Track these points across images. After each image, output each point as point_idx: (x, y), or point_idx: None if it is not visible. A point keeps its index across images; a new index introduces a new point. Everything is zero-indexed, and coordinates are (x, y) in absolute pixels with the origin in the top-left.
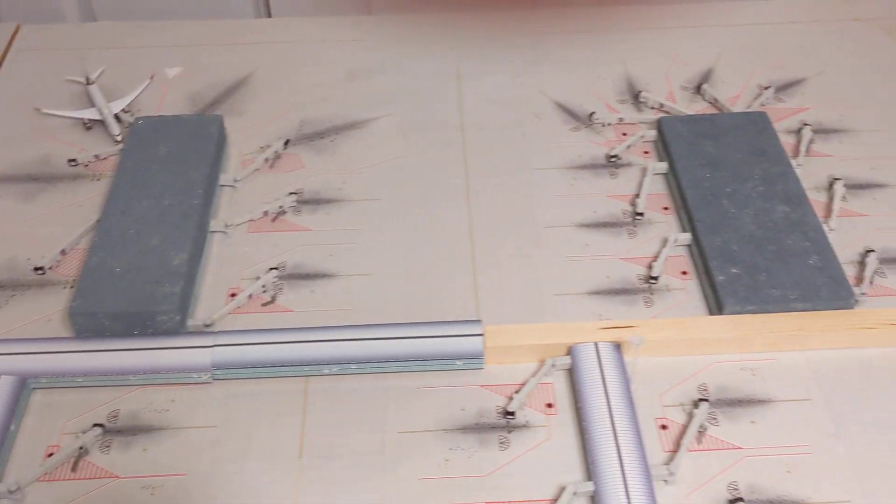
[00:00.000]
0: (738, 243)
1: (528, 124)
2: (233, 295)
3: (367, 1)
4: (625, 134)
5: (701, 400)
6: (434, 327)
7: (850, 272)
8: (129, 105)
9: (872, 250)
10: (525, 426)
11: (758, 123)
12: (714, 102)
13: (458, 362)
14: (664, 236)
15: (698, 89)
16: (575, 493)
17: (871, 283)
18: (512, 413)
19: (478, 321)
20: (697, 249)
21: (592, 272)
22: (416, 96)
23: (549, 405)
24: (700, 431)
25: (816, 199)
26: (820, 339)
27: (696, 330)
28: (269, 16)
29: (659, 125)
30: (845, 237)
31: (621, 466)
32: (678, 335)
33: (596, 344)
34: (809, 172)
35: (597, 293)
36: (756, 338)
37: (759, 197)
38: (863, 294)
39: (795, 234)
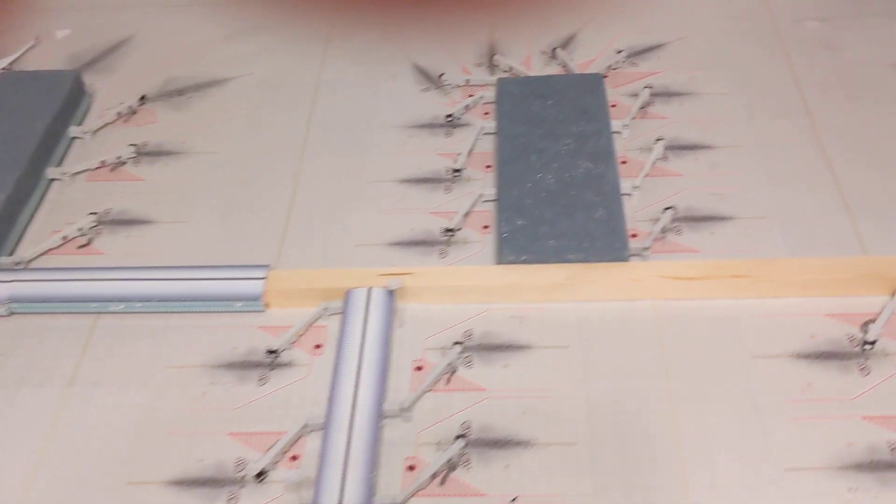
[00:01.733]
0: (533, 197)
1: (382, 84)
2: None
3: None
4: (470, 95)
5: (455, 343)
6: (220, 270)
7: (646, 228)
8: (10, 63)
9: (670, 207)
10: (288, 365)
11: (590, 85)
12: (564, 66)
13: (237, 304)
14: (479, 192)
15: (554, 53)
16: (306, 426)
17: (660, 238)
18: (274, 351)
19: (264, 266)
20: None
21: (399, 225)
22: (282, 57)
23: (318, 346)
24: (449, 373)
25: (638, 158)
26: (589, 291)
27: (469, 278)
28: None
29: (497, 87)
30: (653, 194)
31: (353, 404)
32: (451, 282)
33: (369, 289)
34: (639, 133)
35: (398, 244)
36: (525, 287)
37: (567, 154)
38: (645, 249)
39: (590, 189)
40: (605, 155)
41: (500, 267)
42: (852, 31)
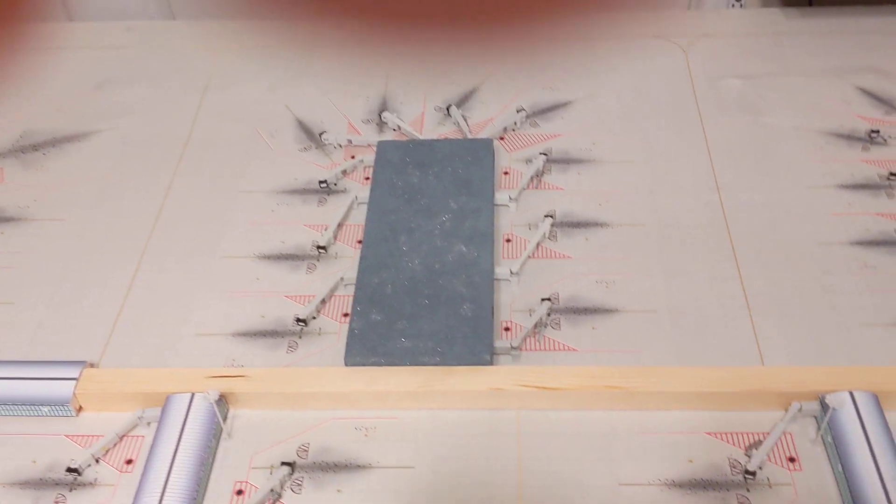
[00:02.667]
0: (395, 286)
1: (258, 142)
2: None
3: (169, 5)
4: (353, 157)
5: (283, 464)
6: (30, 368)
7: (522, 321)
8: None
9: (547, 299)
10: (92, 484)
11: (479, 151)
12: (457, 125)
13: (44, 408)
14: (341, 275)
15: (448, 110)
16: None
17: (535, 334)
18: (75, 469)
19: (80, 363)
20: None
21: (247, 311)
22: (154, 109)
23: (129, 461)
24: (272, 501)
25: (523, 236)
26: (444, 399)
27: (307, 383)
28: (70, 19)
29: (377, 150)
30: (536, 280)
31: None
32: (287, 388)
33: (192, 395)
34: (530, 206)
35: (243, 335)
36: (371, 394)
37: (442, 234)
38: (514, 348)
39: (460, 278)
40: (482, 237)
41: (346, 370)
42: (775, 91)
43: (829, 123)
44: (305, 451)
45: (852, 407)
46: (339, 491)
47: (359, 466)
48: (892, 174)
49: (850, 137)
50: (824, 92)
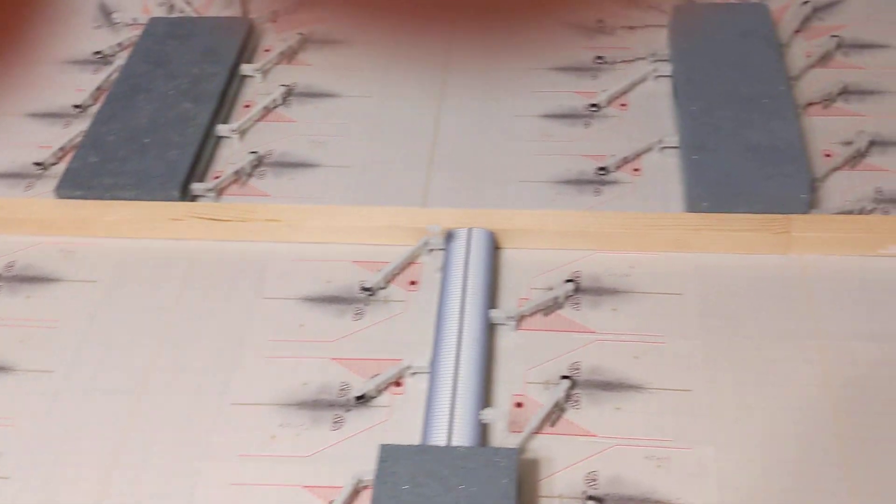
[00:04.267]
0: (117, 135)
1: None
2: None
3: None
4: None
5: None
6: None
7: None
8: None
9: (255, 152)
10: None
11: (234, 29)
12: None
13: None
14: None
15: None
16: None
17: (239, 181)
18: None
19: None
20: None
21: None
22: None
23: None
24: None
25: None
26: (129, 229)
27: (25, 210)
28: None
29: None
30: (257, 140)
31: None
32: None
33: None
34: (278, 80)
35: None
36: (68, 221)
37: (174, 95)
38: (210, 190)
39: (176, 130)
40: (209, 98)
41: (51, 201)
42: None
43: None
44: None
45: (465, 241)
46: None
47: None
48: None
49: None
50: None
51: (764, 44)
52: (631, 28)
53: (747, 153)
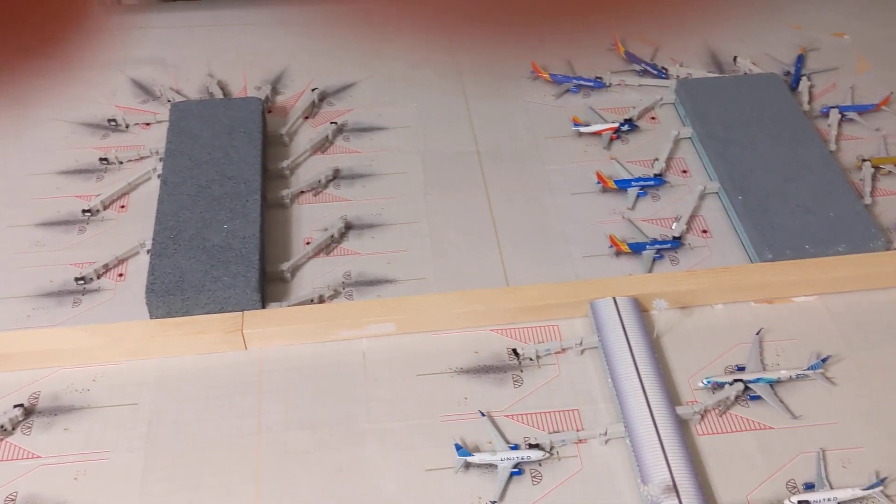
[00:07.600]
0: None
1: None
2: None
3: None
4: None
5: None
6: None
7: None
8: None
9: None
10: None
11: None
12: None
13: None
14: None
15: None
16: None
17: None
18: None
19: None
20: None
21: None
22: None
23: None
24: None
25: None
26: None
27: None
28: None
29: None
30: None
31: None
32: None
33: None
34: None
35: None
36: None
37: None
38: None
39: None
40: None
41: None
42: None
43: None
44: None
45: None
46: None
47: None
48: None
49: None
50: None
51: (247, 139)
52: (147, 125)
53: (202, 254)
